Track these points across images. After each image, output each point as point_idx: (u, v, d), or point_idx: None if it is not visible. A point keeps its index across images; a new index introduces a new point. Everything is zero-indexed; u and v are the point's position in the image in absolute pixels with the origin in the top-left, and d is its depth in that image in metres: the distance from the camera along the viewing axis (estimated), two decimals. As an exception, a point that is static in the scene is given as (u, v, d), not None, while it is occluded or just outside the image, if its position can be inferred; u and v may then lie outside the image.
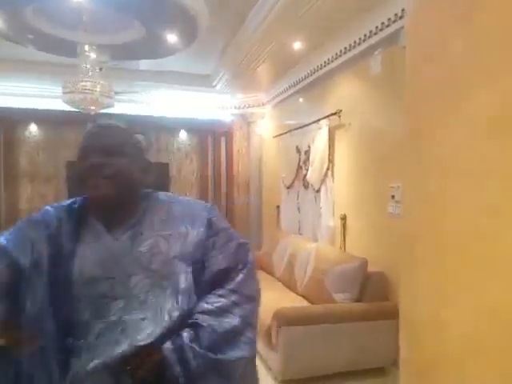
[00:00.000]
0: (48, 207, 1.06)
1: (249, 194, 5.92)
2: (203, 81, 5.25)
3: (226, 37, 3.99)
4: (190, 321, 0.98)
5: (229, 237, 1.10)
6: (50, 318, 0.93)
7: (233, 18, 3.53)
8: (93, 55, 3.72)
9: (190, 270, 1.02)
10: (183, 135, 5.85)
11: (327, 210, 3.83)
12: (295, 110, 4.72)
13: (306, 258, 3.59)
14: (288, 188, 4.77)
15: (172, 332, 0.95)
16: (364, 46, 3.17)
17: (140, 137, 1.05)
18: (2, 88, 4.95)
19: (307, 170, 4.14)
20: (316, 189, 4.02)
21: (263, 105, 5.62)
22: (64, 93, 3.72)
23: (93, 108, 3.93)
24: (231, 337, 0.99)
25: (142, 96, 5.32)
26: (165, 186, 5.71)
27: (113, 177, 0.97)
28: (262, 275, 4.41)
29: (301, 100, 4.57)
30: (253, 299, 1.07)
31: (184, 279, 1.00)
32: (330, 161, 3.79)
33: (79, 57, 3.68)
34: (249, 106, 5.72)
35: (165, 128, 5.64)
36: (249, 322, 1.03)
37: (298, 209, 4.51)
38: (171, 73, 5.04)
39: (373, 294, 2.90)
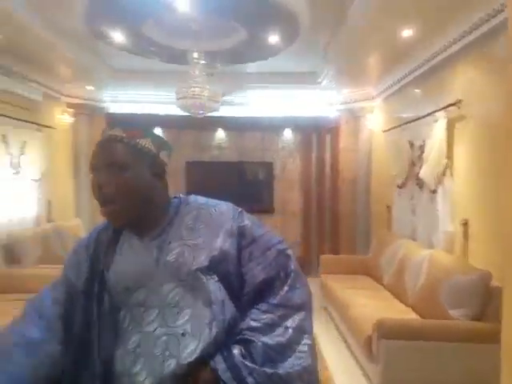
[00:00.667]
0: (94, 229, 1.12)
1: (355, 193, 5.65)
2: (308, 78, 5.14)
3: (329, 31, 3.83)
4: (238, 337, 0.95)
5: (266, 244, 1.04)
6: (95, 329, 0.97)
7: (334, 10, 3.36)
8: (202, 62, 3.93)
9: (216, 279, 0.98)
10: (287, 134, 5.85)
11: (445, 213, 3.41)
12: (407, 103, 4.32)
13: (418, 266, 3.27)
14: (400, 187, 4.40)
15: (215, 344, 0.93)
16: (488, 26, 2.72)
17: (144, 141, 1.00)
18: (129, 96, 5.63)
19: (420, 167, 3.76)
20: (432, 189, 3.62)
21: (372, 98, 5.30)
22: (177, 98, 4.00)
23: (201, 112, 4.16)
24: (287, 349, 0.94)
25: (248, 98, 5.45)
26: (269, 185, 5.80)
27: (115, 201, 0.95)
28: (367, 281, 4.19)
29: (415, 91, 4.17)
30: (302, 307, 1.01)
31: (213, 289, 0.96)
32: (449, 157, 3.37)
33: (190, 64, 3.92)
34: (356, 101, 5.46)
35: (269, 127, 5.70)
36: (303, 330, 0.98)
37: (413, 211, 4.12)
38: (276, 73, 5.04)
39: (498, 313, 2.47)
